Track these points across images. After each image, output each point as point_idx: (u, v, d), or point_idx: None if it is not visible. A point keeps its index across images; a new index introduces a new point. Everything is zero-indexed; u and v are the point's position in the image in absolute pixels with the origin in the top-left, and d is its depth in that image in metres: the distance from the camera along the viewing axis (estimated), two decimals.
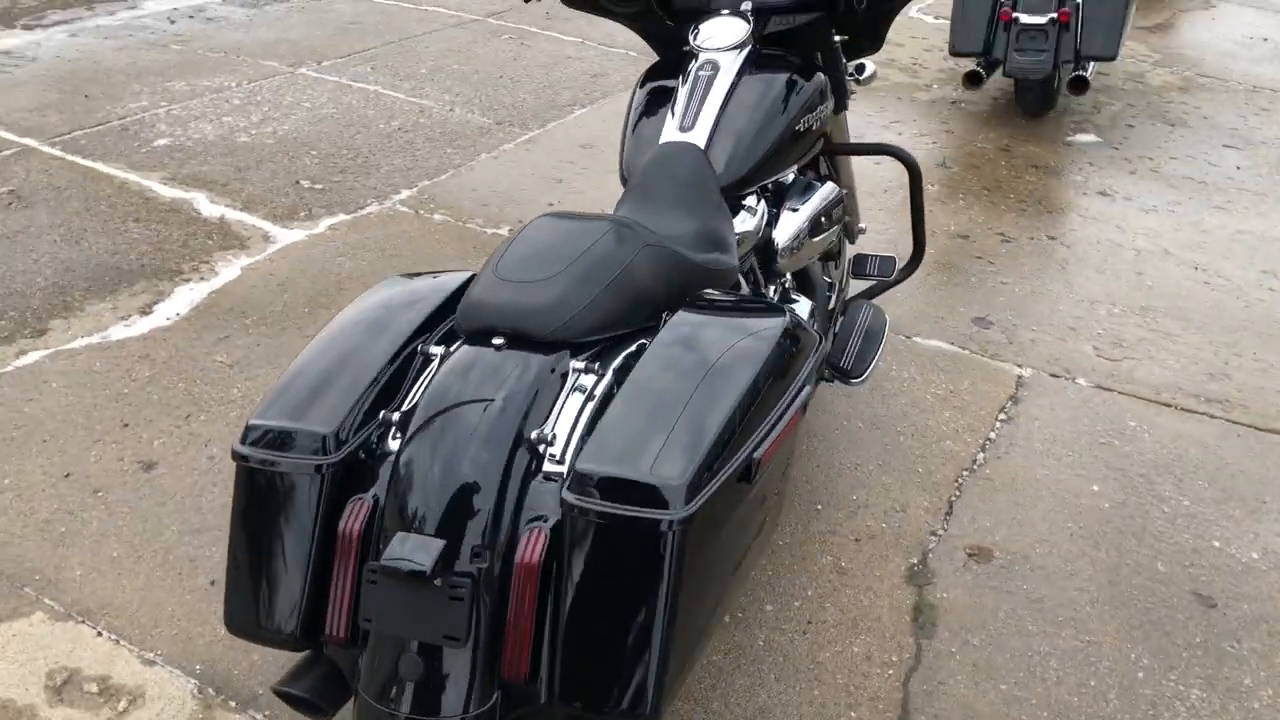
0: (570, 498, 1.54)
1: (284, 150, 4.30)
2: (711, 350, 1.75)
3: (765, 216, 2.43)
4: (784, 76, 2.46)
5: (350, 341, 1.84)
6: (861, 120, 5.22)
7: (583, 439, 1.65)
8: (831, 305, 2.84)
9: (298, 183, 4.05)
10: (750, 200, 2.40)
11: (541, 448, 1.65)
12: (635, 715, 1.55)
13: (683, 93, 2.43)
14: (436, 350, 1.81)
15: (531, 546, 1.59)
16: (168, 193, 3.88)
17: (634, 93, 2.54)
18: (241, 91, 4.88)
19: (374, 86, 5.11)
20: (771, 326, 1.83)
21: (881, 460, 2.84)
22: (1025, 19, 4.93)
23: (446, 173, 4.21)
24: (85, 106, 4.57)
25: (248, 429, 1.73)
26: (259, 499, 1.72)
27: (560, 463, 1.64)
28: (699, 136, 2.34)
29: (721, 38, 2.47)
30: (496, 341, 1.75)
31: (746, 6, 2.56)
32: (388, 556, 1.58)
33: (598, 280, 1.81)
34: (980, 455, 2.89)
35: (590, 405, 1.70)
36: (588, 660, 1.56)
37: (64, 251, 3.45)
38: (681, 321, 1.82)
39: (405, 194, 4.03)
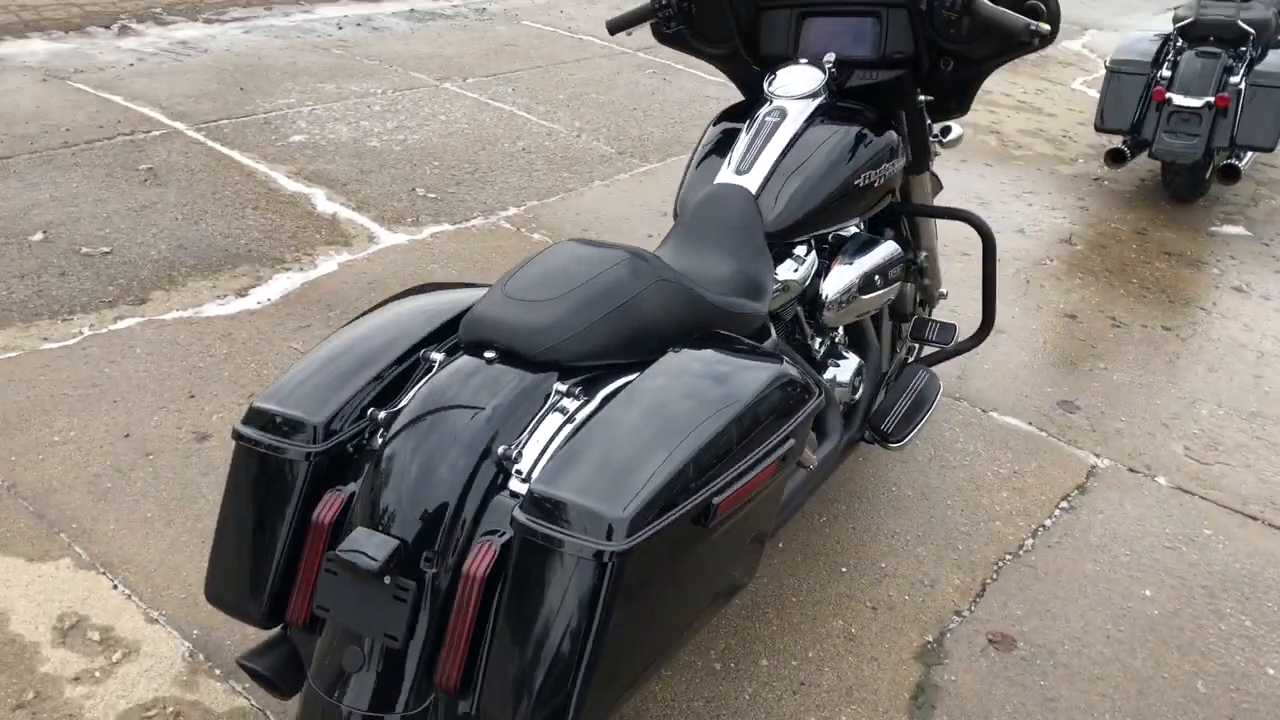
0: (520, 516, 1.56)
1: (409, 158, 4.48)
2: (691, 390, 1.74)
3: (815, 267, 2.40)
4: (852, 129, 2.43)
5: (362, 341, 1.90)
6: (994, 187, 5.10)
7: (550, 460, 1.66)
8: (886, 366, 2.77)
9: (413, 190, 4.20)
10: (800, 249, 2.37)
11: (508, 464, 1.67)
12: None
13: (746, 136, 2.43)
14: (437, 357, 1.85)
15: (480, 559, 1.61)
16: (290, 186, 4.09)
17: (705, 131, 2.56)
18: (384, 99, 5.10)
19: (510, 107, 5.26)
20: (760, 375, 1.80)
21: (922, 532, 2.75)
22: (1179, 100, 4.74)
23: (557, 195, 4.30)
24: (238, 98, 4.86)
25: (250, 410, 1.81)
26: (248, 478, 1.79)
27: (526, 480, 1.66)
28: (752, 181, 2.34)
29: (795, 86, 2.47)
30: (488, 355, 1.78)
31: (830, 58, 2.55)
32: (343, 548, 1.62)
33: (599, 307, 1.82)
34: (1029, 541, 2.77)
35: (567, 429, 1.71)
36: (511, 680, 1.56)
37: (182, 229, 3.67)
38: (672, 359, 1.82)
39: (512, 211, 4.13)
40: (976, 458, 3.08)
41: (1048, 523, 2.86)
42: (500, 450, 1.66)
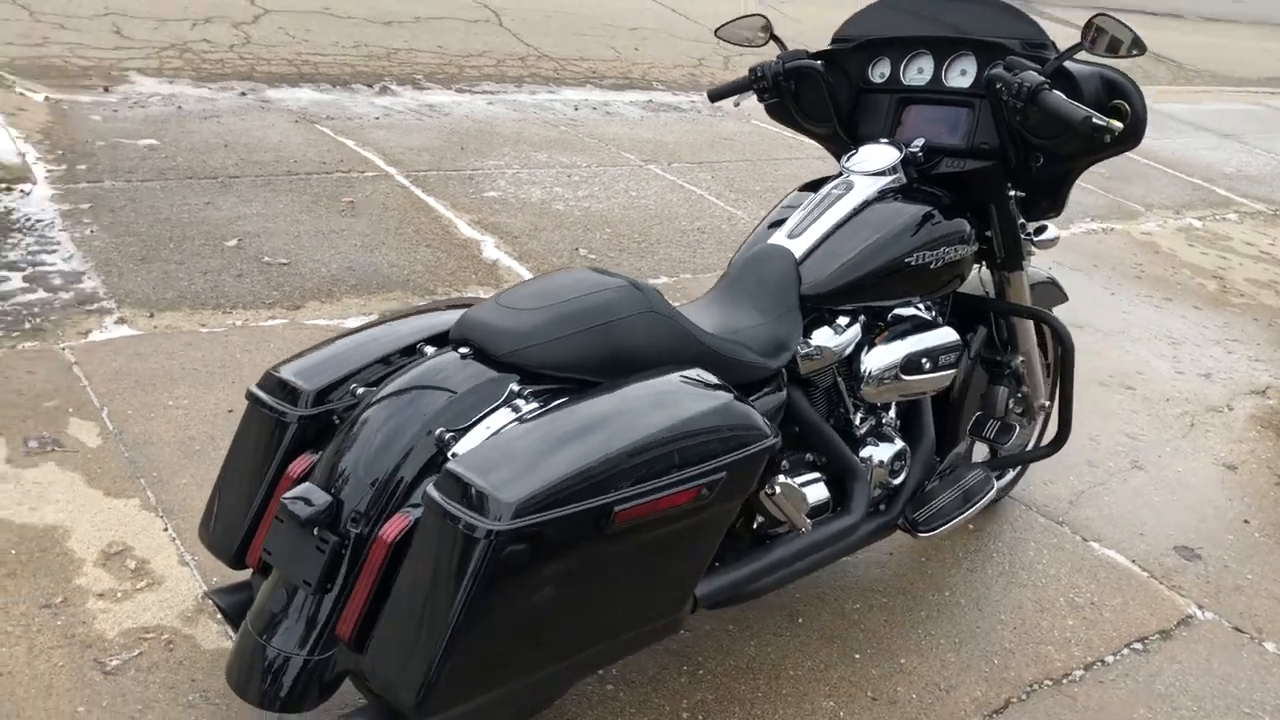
0: (430, 491, 1.67)
1: (585, 223, 4.74)
2: (629, 406, 1.80)
3: (858, 338, 2.40)
4: (916, 210, 2.43)
5: (379, 333, 2.09)
6: (1193, 329, 4.81)
7: None
8: (942, 460, 2.69)
9: (576, 249, 4.44)
10: (843, 319, 2.38)
11: (444, 446, 1.78)
12: (400, 702, 1.62)
13: (809, 203, 2.48)
14: (429, 350, 2.00)
15: (393, 526, 1.73)
16: (466, 232, 4.42)
17: (784, 196, 2.62)
18: (586, 171, 5.42)
19: (701, 191, 5.46)
20: (701, 405, 1.84)
21: (959, 639, 2.62)
22: None
23: (712, 272, 4.42)
24: (454, 155, 5.31)
25: (264, 375, 2.03)
26: (248, 433, 2.00)
27: None
28: (800, 245, 2.38)
29: (870, 162, 2.50)
30: (463, 351, 1.92)
31: (919, 143, 2.57)
32: (286, 497, 1.79)
33: (575, 323, 1.92)
34: (1079, 672, 2.58)
35: (512, 425, 1.81)
36: (390, 640, 1.66)
37: (357, 254, 4.05)
38: (631, 379, 1.89)
39: (662, 280, 4.29)
40: (1053, 581, 2.91)
41: (1109, 659, 2.65)
42: (439, 432, 1.78)
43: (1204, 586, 3.01)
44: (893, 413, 2.57)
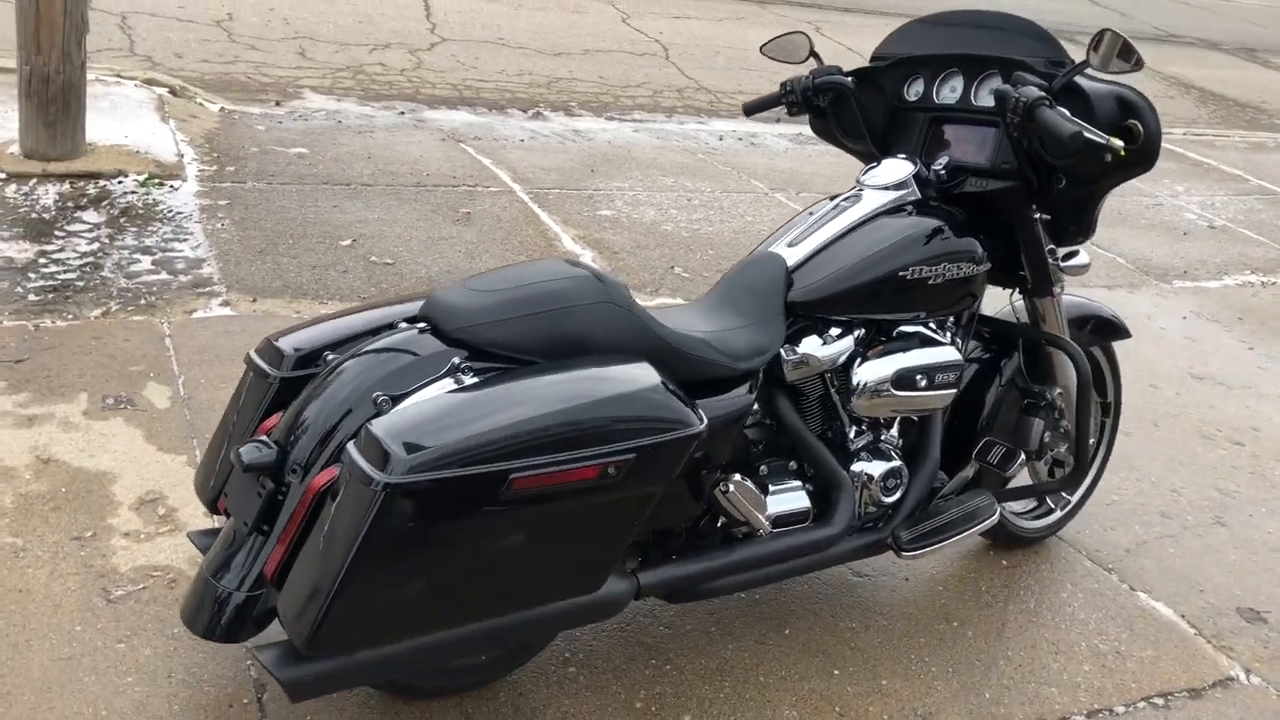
0: (349, 446, 1.80)
1: (689, 244, 4.83)
2: (551, 383, 1.89)
3: (850, 350, 2.39)
4: (920, 224, 2.42)
5: (370, 311, 2.25)
6: (1259, 373, 4.45)
7: None
8: (943, 484, 2.63)
9: (672, 268, 4.54)
10: (835, 330, 2.39)
11: (379, 409, 1.91)
12: (295, 639, 1.75)
13: (817, 212, 2.50)
14: (403, 325, 2.15)
15: (322, 477, 1.87)
16: (569, 245, 4.59)
17: (805, 207, 2.65)
18: (707, 196, 5.52)
19: None
20: (620, 387, 1.90)
21: (953, 668, 2.56)
22: None
23: None
24: (581, 176, 5.51)
25: (263, 341, 2.22)
26: (240, 392, 2.19)
27: None
28: (796, 253, 2.41)
29: (882, 176, 2.51)
30: (420, 325, 2.05)
31: (942, 161, 2.55)
32: (240, 445, 1.96)
33: (525, 307, 2.02)
34: (1079, 719, 2.47)
35: (442, 395, 1.92)
36: (295, 582, 1.79)
37: (458, 259, 4.27)
38: (571, 361, 1.97)
39: None
40: (1079, 625, 2.78)
41: (1119, 709, 2.53)
42: (376, 396, 1.91)
43: (1259, 651, 2.80)
44: (895, 431, 2.54)
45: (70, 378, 3.06)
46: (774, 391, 2.40)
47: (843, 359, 2.41)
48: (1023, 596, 2.87)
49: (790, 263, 2.42)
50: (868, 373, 2.39)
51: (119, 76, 5.57)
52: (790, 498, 2.40)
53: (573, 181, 5.41)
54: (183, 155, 4.78)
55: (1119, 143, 2.26)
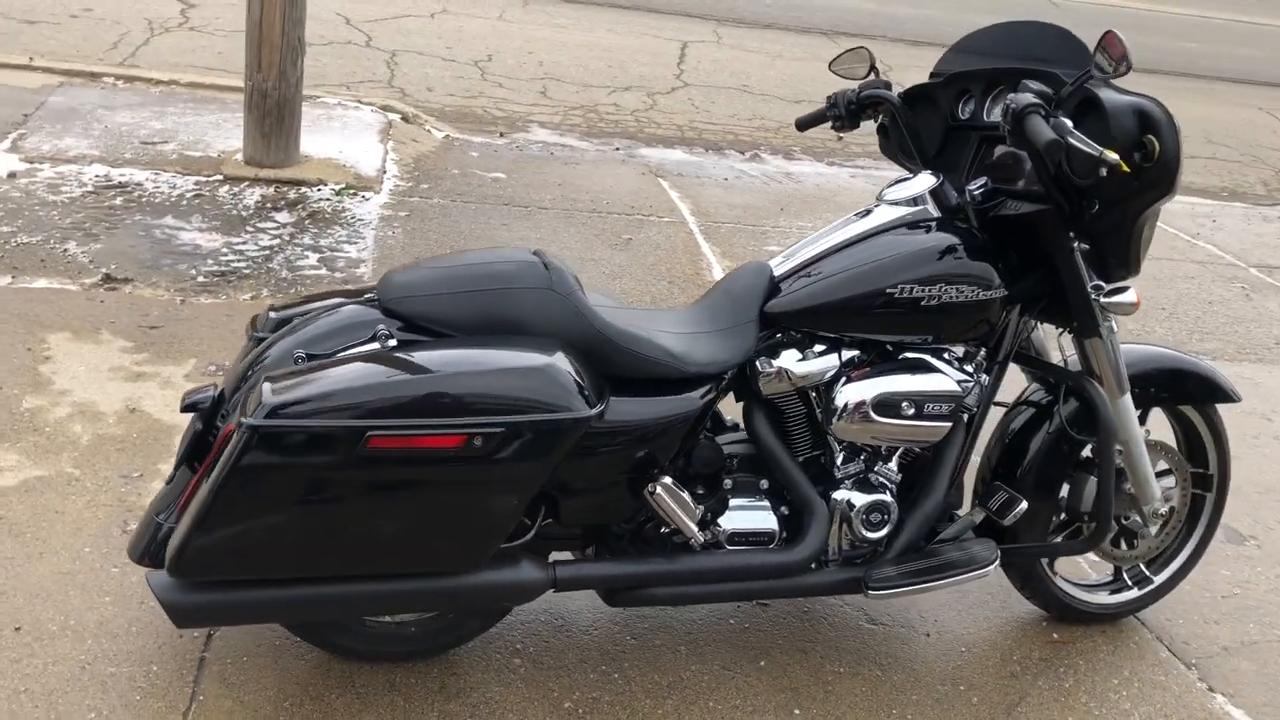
0: (241, 392, 1.93)
1: None
2: (447, 352, 1.94)
3: (833, 369, 2.27)
4: (922, 242, 2.28)
5: (356, 293, 2.37)
6: None
7: None
8: (945, 531, 2.41)
9: None
10: (819, 346, 2.27)
11: (296, 365, 2.02)
12: (166, 562, 1.88)
13: (826, 226, 2.41)
14: (366, 298, 2.26)
15: (233, 423, 2.00)
16: (715, 274, 4.59)
17: None
18: None
19: None
20: (510, 363, 1.91)
21: (917, 706, 2.33)
22: None
23: None
24: (765, 215, 5.48)
25: (265, 309, 2.40)
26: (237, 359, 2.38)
27: None
28: (787, 263, 2.33)
29: (900, 191, 2.38)
30: (367, 297, 2.15)
31: (979, 183, 2.39)
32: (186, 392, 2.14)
33: (460, 285, 2.09)
34: None
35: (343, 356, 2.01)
36: (185, 512, 1.92)
37: (599, 279, 4.38)
38: (485, 337, 2.01)
39: None
40: (1122, 718, 2.45)
41: None
42: (298, 353, 2.03)
43: None
44: (892, 464, 2.37)
45: (189, 345, 3.41)
46: (752, 405, 2.31)
47: (827, 377, 2.28)
48: (1059, 674, 2.56)
49: (778, 272, 2.33)
50: (848, 394, 2.25)
51: (359, 102, 6.14)
52: (753, 516, 2.30)
53: (754, 219, 5.40)
54: (385, 171, 5.20)
55: (1113, 156, 2.02)
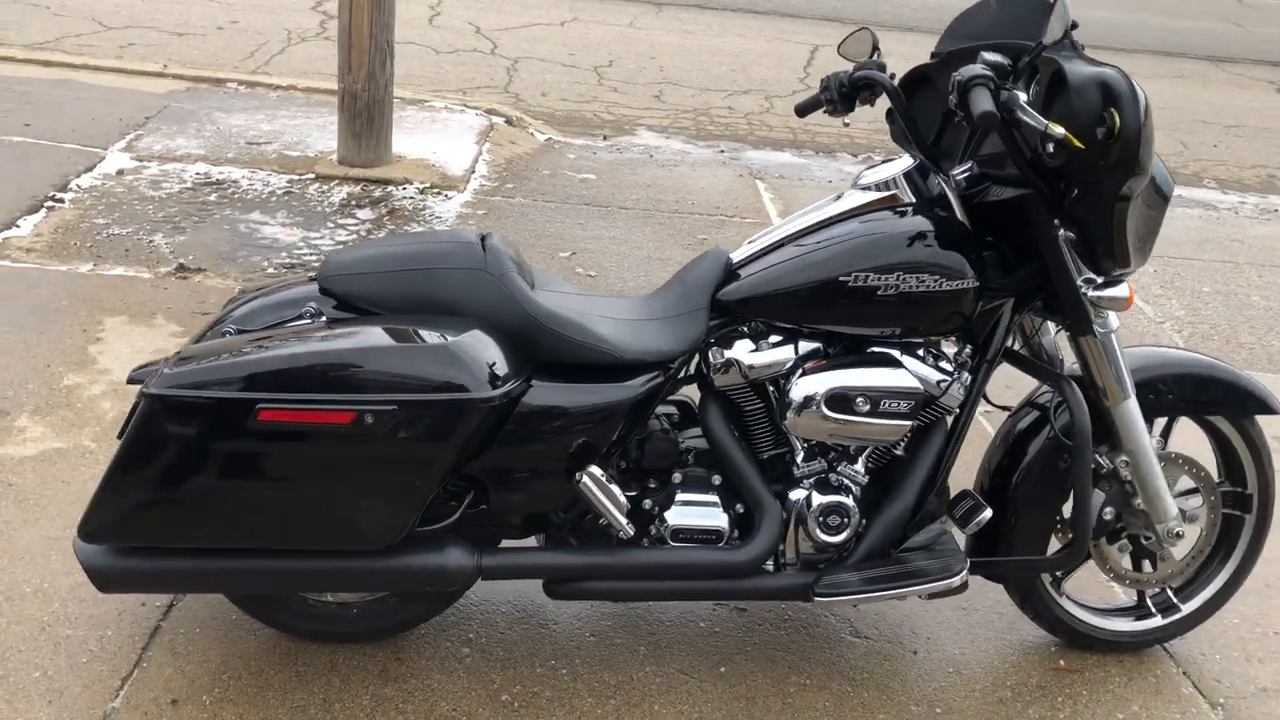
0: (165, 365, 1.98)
1: None
2: (357, 329, 1.94)
3: (790, 361, 2.15)
4: (884, 228, 2.15)
5: None
6: None
7: None
8: (915, 538, 2.25)
9: None
10: (776, 336, 2.17)
11: None
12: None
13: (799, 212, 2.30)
14: None
15: None
16: None
17: None
18: None
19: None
20: (411, 342, 1.89)
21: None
22: None
23: None
24: None
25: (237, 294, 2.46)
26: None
27: None
28: (748, 249, 2.23)
29: (872, 175, 2.24)
30: (311, 275, 2.17)
31: (965, 168, 2.24)
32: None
33: (390, 264, 2.10)
34: None
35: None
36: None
37: (661, 277, 4.31)
38: (407, 315, 1.99)
39: None
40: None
41: None
42: (229, 329, 2.06)
43: None
44: (859, 465, 2.23)
45: None
46: (707, 397, 2.22)
47: (785, 370, 2.17)
48: (1055, 704, 2.36)
49: (737, 258, 2.23)
50: (801, 388, 2.13)
51: (465, 106, 6.26)
52: (699, 512, 2.20)
53: None
54: (474, 172, 5.28)
55: (1059, 130, 1.84)
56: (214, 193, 4.72)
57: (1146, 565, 2.46)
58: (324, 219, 4.59)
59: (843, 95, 2.48)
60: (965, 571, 2.20)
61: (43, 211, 4.32)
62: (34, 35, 6.83)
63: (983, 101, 1.88)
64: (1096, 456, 2.33)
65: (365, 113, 4.97)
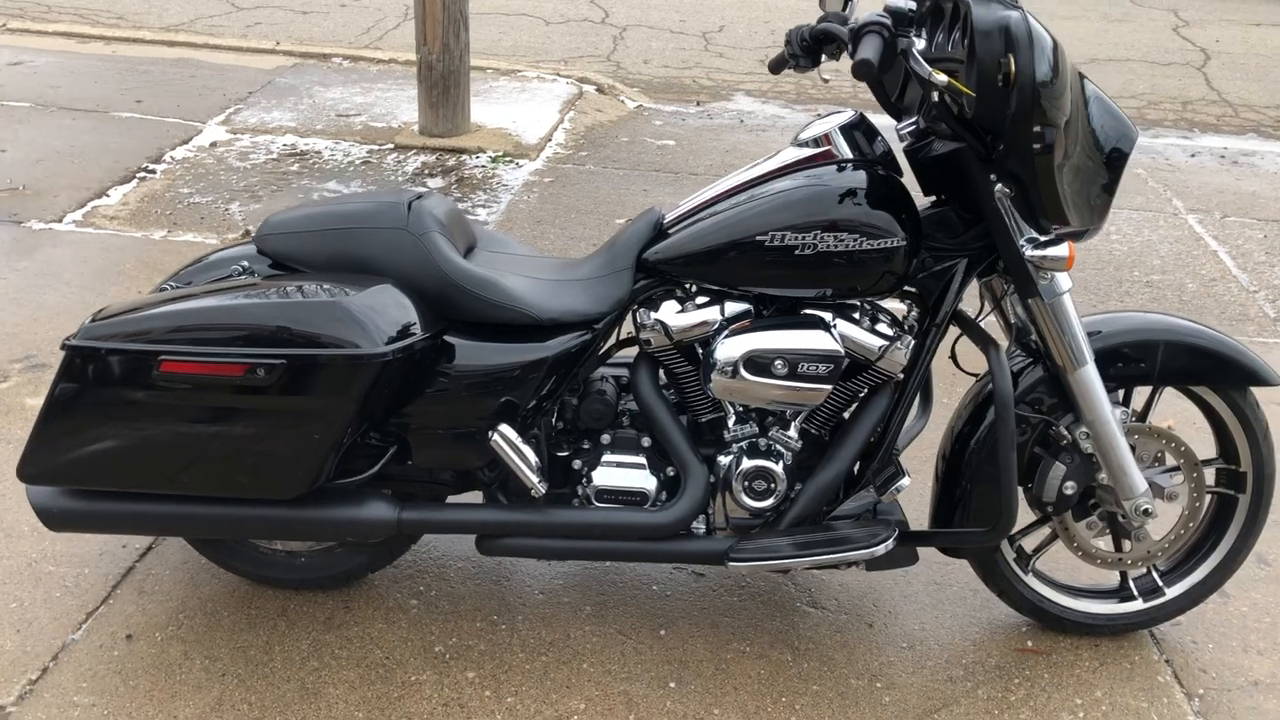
0: None
1: None
2: (266, 286, 2.01)
3: (716, 323, 2.11)
4: (807, 186, 2.07)
5: None
6: None
7: None
8: (844, 505, 2.17)
9: None
10: (703, 298, 2.13)
11: None
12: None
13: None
14: None
15: None
16: None
17: None
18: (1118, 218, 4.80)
19: (1220, 248, 4.49)
20: (303, 299, 1.95)
21: (814, 697, 2.13)
22: None
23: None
24: None
25: None
26: None
27: None
28: (680, 209, 2.20)
29: (811, 130, 2.16)
30: (249, 234, 2.26)
31: (909, 121, 2.15)
32: None
33: (316, 224, 2.16)
34: None
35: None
36: None
37: None
38: (326, 274, 2.06)
39: None
40: (1049, 716, 2.12)
41: None
42: (166, 284, 2.17)
43: None
44: (791, 430, 2.16)
45: None
46: (639, 359, 2.20)
47: (711, 332, 2.12)
48: (1010, 685, 2.24)
49: (669, 218, 2.19)
50: (722, 350, 2.09)
51: (558, 75, 6.31)
52: (625, 474, 2.19)
53: None
54: (550, 140, 5.33)
55: (941, 78, 1.75)
56: (296, 163, 4.93)
57: (1127, 545, 2.31)
58: (394, 188, 4.73)
59: (804, 49, 2.39)
60: (890, 541, 2.11)
61: (134, 182, 4.60)
62: (171, 18, 7.26)
63: (865, 49, 1.79)
64: (1059, 427, 2.20)
65: (441, 83, 5.08)
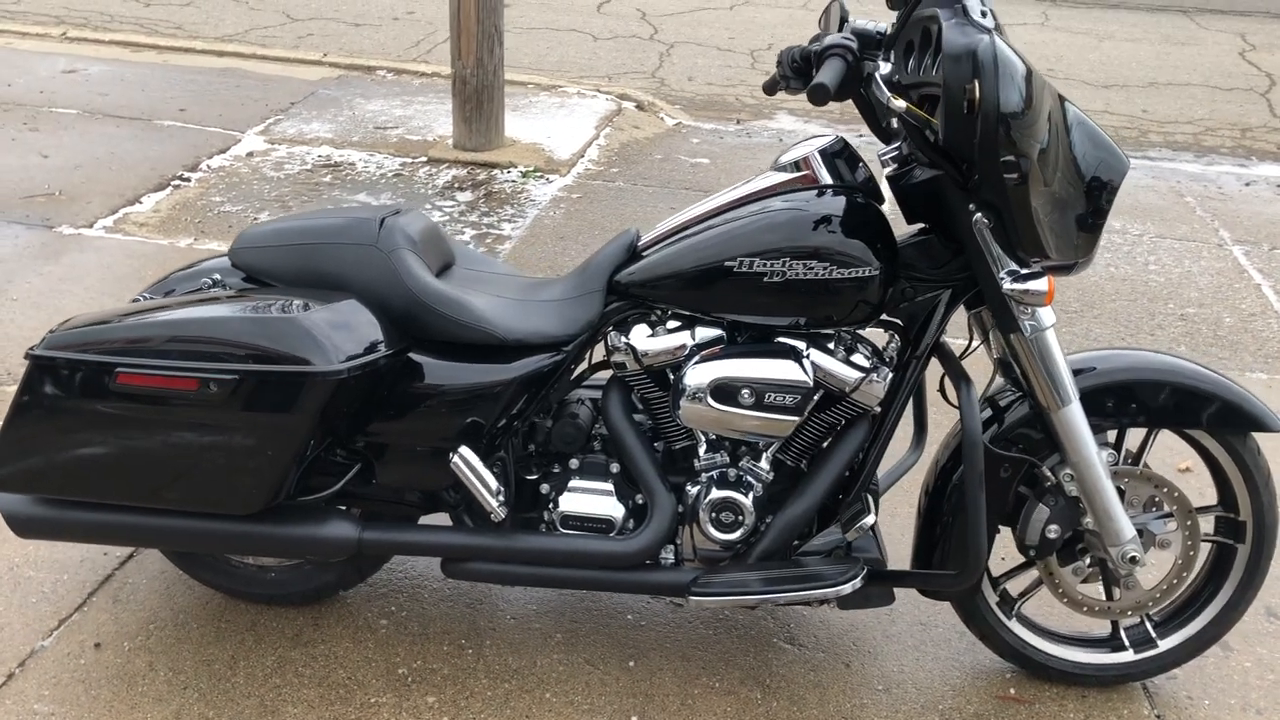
0: None
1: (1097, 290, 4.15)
2: (230, 301, 2.01)
3: (687, 348, 2.06)
4: (778, 212, 2.03)
5: None
6: None
7: None
8: (812, 542, 2.10)
9: None
10: (674, 323, 2.09)
11: None
12: None
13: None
14: None
15: None
16: None
17: None
18: (1149, 242, 4.65)
19: (1265, 281, 4.32)
20: (258, 314, 1.94)
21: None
22: None
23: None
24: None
25: None
26: None
27: None
28: (657, 231, 2.16)
29: (791, 154, 2.11)
30: (223, 251, 2.26)
31: (892, 147, 2.10)
32: None
33: (286, 239, 2.17)
34: None
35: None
36: None
37: None
38: (293, 289, 2.05)
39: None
40: None
41: None
42: (140, 295, 2.18)
43: None
44: (763, 461, 2.10)
45: None
46: (611, 383, 2.16)
47: (682, 358, 2.07)
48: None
49: (644, 240, 2.15)
50: (690, 377, 2.04)
51: (598, 91, 6.30)
52: (591, 500, 2.15)
53: None
54: (583, 156, 5.31)
55: (900, 103, 1.68)
56: (329, 174, 4.97)
57: (1117, 592, 2.21)
58: (423, 201, 4.75)
59: (795, 70, 2.34)
60: (858, 580, 2.04)
61: (168, 189, 4.68)
62: (226, 29, 7.39)
63: (824, 74, 1.74)
64: (1044, 468, 2.12)
65: (475, 97, 5.09)
